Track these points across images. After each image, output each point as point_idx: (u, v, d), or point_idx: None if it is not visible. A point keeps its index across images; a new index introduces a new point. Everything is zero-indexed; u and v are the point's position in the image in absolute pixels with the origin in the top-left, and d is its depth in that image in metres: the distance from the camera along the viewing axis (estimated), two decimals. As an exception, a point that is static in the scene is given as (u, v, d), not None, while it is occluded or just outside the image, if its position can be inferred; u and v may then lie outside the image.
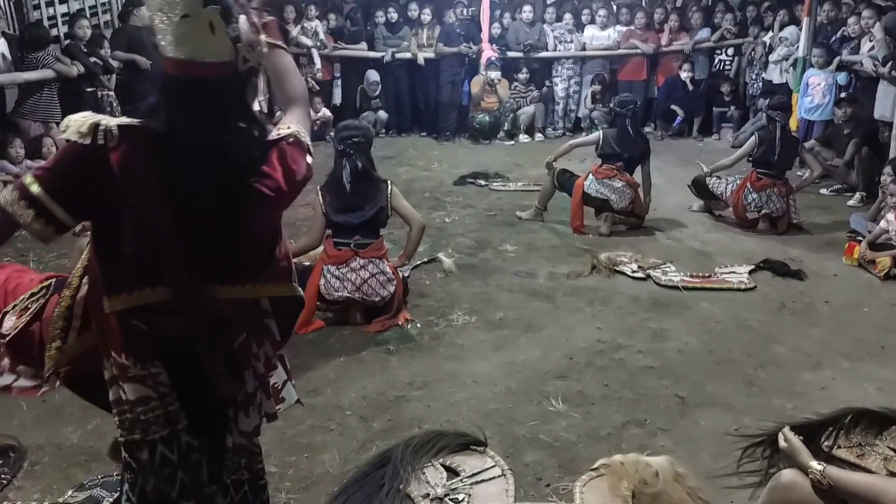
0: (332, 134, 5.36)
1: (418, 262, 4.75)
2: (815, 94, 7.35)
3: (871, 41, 6.88)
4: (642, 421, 3.01)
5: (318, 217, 3.94)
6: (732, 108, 9.13)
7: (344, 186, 3.84)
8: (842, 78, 7.24)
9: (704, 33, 9.25)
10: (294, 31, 9.03)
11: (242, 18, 1.57)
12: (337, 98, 9.29)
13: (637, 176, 5.62)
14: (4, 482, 2.57)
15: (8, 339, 1.83)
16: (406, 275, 4.46)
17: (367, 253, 3.87)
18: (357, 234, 3.88)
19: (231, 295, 1.70)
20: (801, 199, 5.82)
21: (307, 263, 4.06)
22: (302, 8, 9.15)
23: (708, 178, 5.91)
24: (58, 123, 6.25)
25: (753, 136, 5.84)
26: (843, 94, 7.04)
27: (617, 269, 4.69)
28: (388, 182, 3.99)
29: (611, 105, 6.34)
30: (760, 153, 5.62)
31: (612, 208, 5.50)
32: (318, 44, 8.91)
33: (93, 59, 6.63)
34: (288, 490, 2.57)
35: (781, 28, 8.35)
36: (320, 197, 3.91)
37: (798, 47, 7.65)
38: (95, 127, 1.52)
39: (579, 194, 5.54)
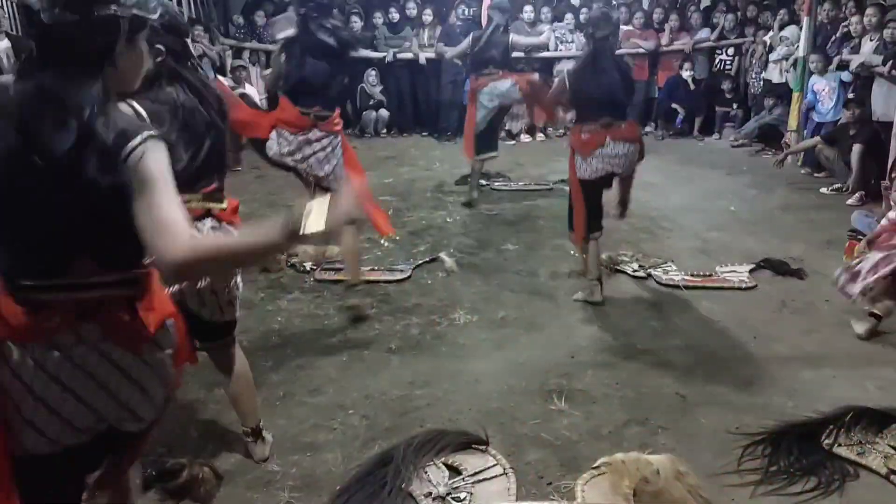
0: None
1: (420, 262, 4.76)
2: (824, 99, 7.39)
3: (871, 40, 6.88)
4: (643, 419, 3.02)
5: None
6: (735, 105, 9.14)
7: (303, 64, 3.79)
8: (846, 76, 7.24)
9: (704, 33, 9.26)
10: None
11: None
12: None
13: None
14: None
15: None
16: (408, 275, 4.48)
17: (326, 126, 3.80)
18: (317, 105, 3.80)
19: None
20: (800, 198, 5.81)
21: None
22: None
23: None
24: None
25: None
26: (850, 95, 7.03)
27: (618, 268, 4.69)
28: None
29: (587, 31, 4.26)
30: None
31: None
32: None
33: None
34: (290, 489, 2.59)
35: (781, 27, 8.35)
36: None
37: (798, 47, 7.66)
38: None
39: (578, 192, 4.10)
